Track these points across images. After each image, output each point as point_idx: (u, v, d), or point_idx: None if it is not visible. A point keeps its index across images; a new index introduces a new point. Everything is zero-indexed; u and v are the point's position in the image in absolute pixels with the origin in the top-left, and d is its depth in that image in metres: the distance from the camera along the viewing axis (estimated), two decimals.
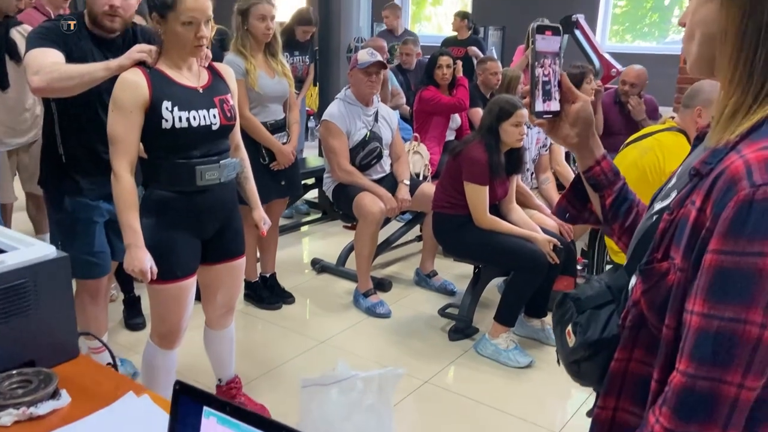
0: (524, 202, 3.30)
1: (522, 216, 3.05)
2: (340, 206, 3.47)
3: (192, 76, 1.97)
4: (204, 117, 1.94)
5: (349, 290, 3.50)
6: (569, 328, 0.97)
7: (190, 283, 2.06)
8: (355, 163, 3.31)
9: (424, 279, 3.62)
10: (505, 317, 2.84)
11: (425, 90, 4.16)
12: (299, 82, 4.59)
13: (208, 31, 1.90)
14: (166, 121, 1.88)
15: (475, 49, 5.71)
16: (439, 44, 5.79)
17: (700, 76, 0.83)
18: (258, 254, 3.43)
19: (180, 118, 1.89)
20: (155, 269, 1.91)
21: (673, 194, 0.82)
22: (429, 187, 3.37)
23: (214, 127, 1.97)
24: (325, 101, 4.00)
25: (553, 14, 5.70)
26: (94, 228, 2.31)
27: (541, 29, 0.96)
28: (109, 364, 1.51)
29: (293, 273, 3.79)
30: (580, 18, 5.59)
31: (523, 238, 2.84)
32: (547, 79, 0.97)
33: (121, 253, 2.46)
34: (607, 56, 5.41)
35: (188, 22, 1.84)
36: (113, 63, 1.95)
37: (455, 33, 5.94)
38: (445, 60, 4.13)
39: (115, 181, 1.87)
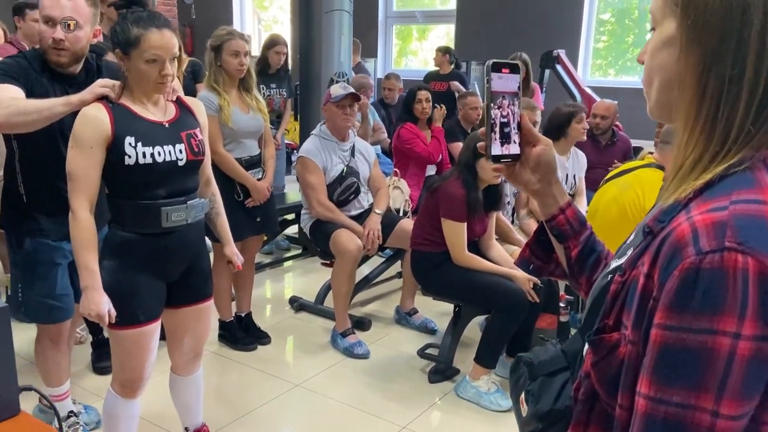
0: (504, 237, 3.24)
1: (501, 253, 2.99)
2: (317, 243, 3.39)
3: (158, 110, 1.92)
4: (170, 152, 1.88)
5: (327, 329, 3.40)
6: (522, 395, 0.89)
7: (154, 329, 1.97)
8: (332, 199, 3.25)
9: (404, 317, 3.53)
10: (486, 359, 2.75)
11: (403, 128, 4.14)
12: (277, 117, 4.56)
13: (174, 69, 1.86)
14: (129, 157, 1.81)
15: (457, 83, 5.73)
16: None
17: (660, 121, 0.77)
18: (233, 292, 3.34)
19: (144, 154, 1.83)
20: (113, 312, 1.83)
21: (629, 252, 0.75)
22: (408, 224, 3.30)
23: (181, 163, 1.91)
24: (306, 135, 3.97)
25: (535, 49, 5.76)
26: (56, 270, 2.22)
27: (496, 67, 0.90)
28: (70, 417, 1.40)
29: (271, 312, 3.69)
30: (561, 53, 5.64)
31: (502, 276, 2.77)
32: (505, 120, 0.90)
33: None
34: (589, 90, 5.44)
35: (152, 60, 1.79)
36: (74, 98, 1.90)
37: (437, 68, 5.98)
38: (423, 94, 4.13)
39: (72, 219, 1.80)
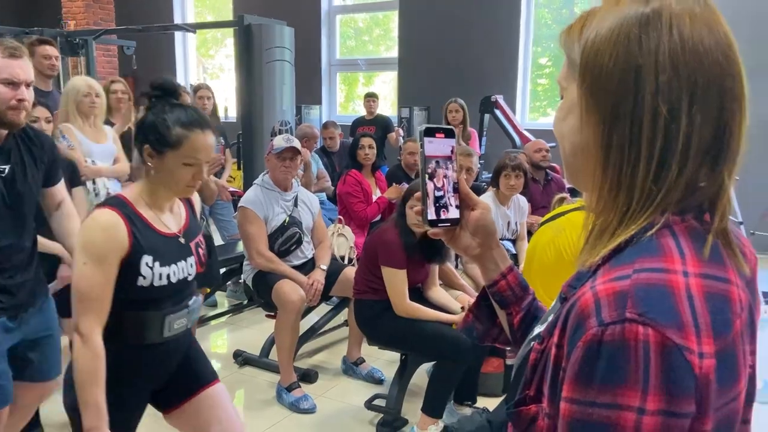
0: (448, 282, 3.25)
1: (443, 295, 2.99)
2: (260, 295, 3.33)
3: (172, 217, 1.73)
4: (183, 269, 1.70)
5: (273, 383, 3.31)
6: None
7: None
8: (273, 249, 3.22)
9: (351, 367, 3.47)
10: (433, 408, 2.72)
11: (348, 175, 4.19)
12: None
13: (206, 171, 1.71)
14: (144, 278, 1.61)
15: (400, 130, 5.88)
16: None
17: (576, 188, 0.78)
18: None
19: (160, 276, 1.63)
20: None
21: (550, 318, 0.74)
22: (352, 271, 3.28)
23: (190, 278, 1.75)
24: (249, 184, 3.95)
25: (473, 95, 5.93)
26: None
27: (430, 131, 0.89)
28: None
29: (214, 367, 3.55)
30: (499, 98, 5.82)
31: (446, 322, 2.76)
32: (441, 184, 0.89)
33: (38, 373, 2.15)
34: (527, 133, 5.61)
35: (190, 164, 1.63)
36: None
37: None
38: (366, 141, 4.22)
39: (81, 345, 1.54)
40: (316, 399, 3.14)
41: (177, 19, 9.13)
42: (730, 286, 0.62)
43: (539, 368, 0.70)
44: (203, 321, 4.16)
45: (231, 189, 5.11)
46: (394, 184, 4.28)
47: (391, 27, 8.28)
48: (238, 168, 5.56)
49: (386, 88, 8.56)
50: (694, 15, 0.64)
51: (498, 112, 5.71)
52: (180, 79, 9.05)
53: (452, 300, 2.99)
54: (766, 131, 4.81)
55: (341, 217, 4.08)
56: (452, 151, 0.91)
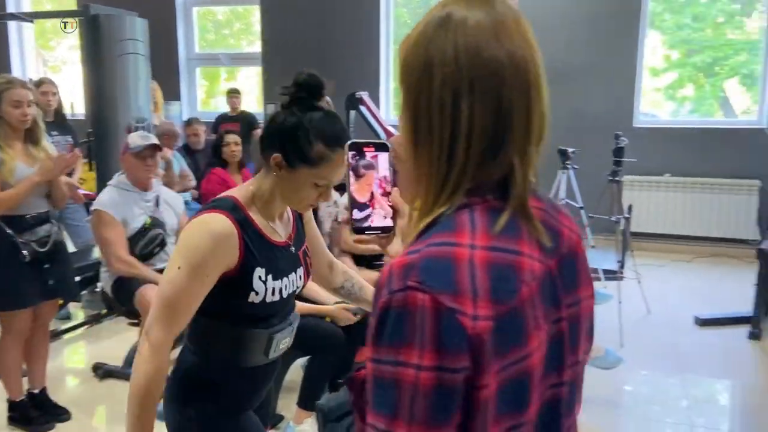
0: None
1: (316, 289, 3.00)
2: (122, 302, 3.14)
3: (282, 223, 1.53)
4: (293, 282, 1.51)
5: None
6: None
7: None
8: (135, 253, 3.05)
9: None
10: (308, 401, 2.73)
11: (211, 173, 4.08)
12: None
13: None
14: (257, 293, 1.41)
15: (260, 130, 5.82)
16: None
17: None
18: (24, 367, 2.95)
19: (273, 291, 1.44)
20: None
21: None
22: None
23: (299, 290, 1.56)
24: (104, 186, 3.69)
25: (340, 92, 5.99)
26: None
27: (356, 145, 0.90)
28: None
29: (71, 383, 3.31)
30: (364, 95, 5.92)
31: (316, 314, 2.79)
32: (365, 195, 0.91)
33: None
34: (391, 128, 5.77)
35: (320, 185, 1.43)
36: None
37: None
38: (232, 138, 4.14)
39: (149, 354, 1.31)
40: None
41: (11, 8, 8.29)
42: (520, 257, 0.70)
43: None
44: (55, 336, 3.84)
45: (82, 191, 4.75)
46: None
47: (252, 21, 8.12)
48: (90, 169, 5.17)
49: (250, 83, 8.38)
50: (479, 20, 0.71)
51: (363, 109, 5.81)
52: (17, 73, 8.23)
53: (319, 289, 3.01)
54: (600, 125, 5.36)
55: None
56: (377, 164, 0.93)
